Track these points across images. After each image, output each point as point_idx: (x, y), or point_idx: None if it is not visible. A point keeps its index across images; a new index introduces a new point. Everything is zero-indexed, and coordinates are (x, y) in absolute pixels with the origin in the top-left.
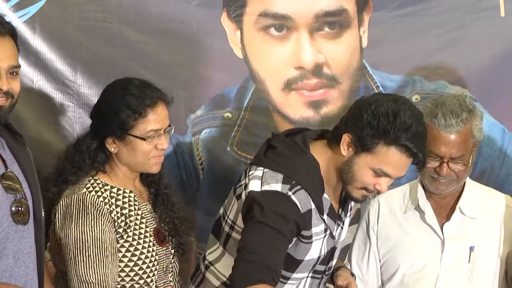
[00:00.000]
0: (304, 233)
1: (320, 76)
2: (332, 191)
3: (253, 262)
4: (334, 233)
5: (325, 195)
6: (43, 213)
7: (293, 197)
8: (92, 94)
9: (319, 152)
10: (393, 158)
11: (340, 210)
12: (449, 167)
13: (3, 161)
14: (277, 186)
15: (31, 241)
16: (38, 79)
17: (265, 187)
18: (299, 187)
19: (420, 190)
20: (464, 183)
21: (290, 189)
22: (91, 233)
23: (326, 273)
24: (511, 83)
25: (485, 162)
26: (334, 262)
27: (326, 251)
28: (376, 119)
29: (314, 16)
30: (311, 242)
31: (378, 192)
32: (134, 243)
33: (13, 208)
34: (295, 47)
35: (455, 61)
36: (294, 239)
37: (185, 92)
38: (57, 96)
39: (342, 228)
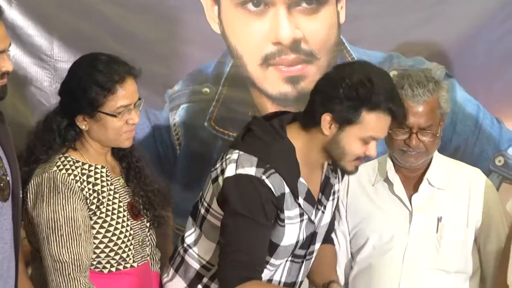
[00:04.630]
0: (280, 215)
1: (297, 52)
2: (311, 175)
3: (238, 261)
4: (312, 218)
5: (301, 179)
6: (21, 190)
7: (266, 181)
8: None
9: (295, 136)
10: (378, 122)
11: (320, 194)
12: (418, 138)
13: None
14: (251, 170)
15: (9, 217)
16: (14, 53)
17: (240, 170)
18: (273, 170)
19: (389, 162)
20: (432, 155)
21: (264, 173)
22: (62, 212)
23: (307, 257)
24: (485, 59)
25: (459, 138)
26: (316, 246)
27: (305, 235)
28: (353, 90)
29: None
30: (284, 225)
31: (368, 158)
32: (108, 219)
33: None
34: (273, 22)
35: (432, 37)
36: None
37: (163, 67)
38: (34, 70)
39: (323, 212)
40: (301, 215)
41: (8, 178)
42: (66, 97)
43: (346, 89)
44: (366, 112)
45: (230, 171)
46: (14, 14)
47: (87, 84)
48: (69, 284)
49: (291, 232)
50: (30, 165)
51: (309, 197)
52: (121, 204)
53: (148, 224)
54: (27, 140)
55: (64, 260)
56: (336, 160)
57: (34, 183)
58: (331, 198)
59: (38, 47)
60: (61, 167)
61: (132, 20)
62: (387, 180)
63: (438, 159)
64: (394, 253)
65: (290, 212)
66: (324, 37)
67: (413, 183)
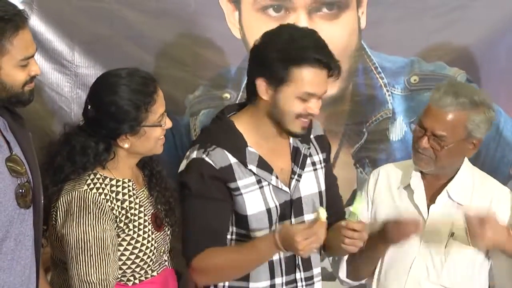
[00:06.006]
0: (230, 185)
1: None
2: (278, 146)
3: (195, 234)
4: (275, 184)
5: (249, 148)
6: (42, 196)
7: (206, 159)
8: (90, 75)
9: (241, 116)
10: (310, 76)
11: (293, 164)
12: (429, 142)
13: (7, 143)
14: (193, 154)
15: (31, 224)
16: (35, 59)
17: (186, 161)
18: (213, 146)
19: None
20: (460, 167)
21: (203, 152)
22: (93, 233)
23: None
24: (506, 64)
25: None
26: (306, 217)
27: (277, 203)
28: (280, 50)
29: None
30: (241, 194)
31: (312, 115)
32: (135, 235)
33: (17, 192)
34: None
35: (454, 42)
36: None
37: (183, 72)
38: (55, 76)
39: (298, 181)
40: (258, 181)
41: (30, 185)
42: (104, 123)
43: (273, 51)
44: (296, 68)
45: (182, 167)
46: (35, 20)
47: (126, 104)
48: None
49: (253, 200)
50: (59, 185)
51: (262, 164)
52: (146, 218)
53: (169, 232)
54: (50, 157)
55: (92, 281)
56: (281, 124)
57: (64, 201)
58: (310, 168)
59: (59, 52)
60: (92, 185)
61: (153, 25)
62: (408, 187)
63: (466, 172)
64: (402, 263)
65: (244, 181)
66: (344, 43)
67: (433, 192)
